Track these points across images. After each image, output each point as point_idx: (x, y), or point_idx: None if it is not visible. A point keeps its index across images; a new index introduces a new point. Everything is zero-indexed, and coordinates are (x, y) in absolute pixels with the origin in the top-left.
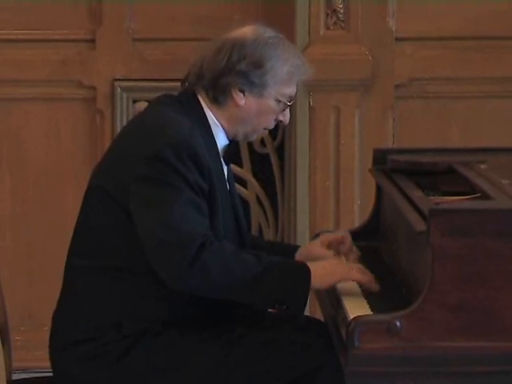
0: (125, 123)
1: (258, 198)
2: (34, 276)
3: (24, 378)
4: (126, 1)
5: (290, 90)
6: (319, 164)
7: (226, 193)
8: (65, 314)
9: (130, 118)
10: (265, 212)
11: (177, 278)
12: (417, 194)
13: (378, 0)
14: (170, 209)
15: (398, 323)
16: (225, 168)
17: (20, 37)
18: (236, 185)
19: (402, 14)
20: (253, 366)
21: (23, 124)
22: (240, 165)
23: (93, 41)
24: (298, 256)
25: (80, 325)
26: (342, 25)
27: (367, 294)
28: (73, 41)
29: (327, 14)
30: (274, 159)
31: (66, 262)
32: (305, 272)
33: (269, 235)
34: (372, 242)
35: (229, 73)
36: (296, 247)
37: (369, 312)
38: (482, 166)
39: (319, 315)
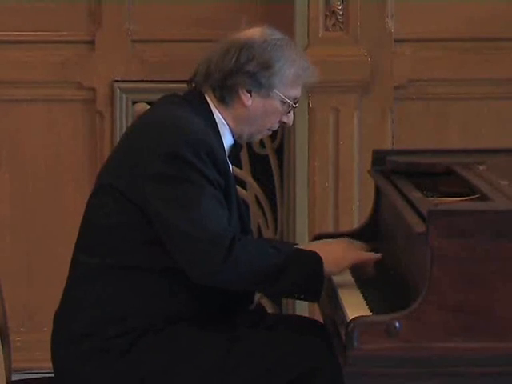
0: (124, 124)
1: (257, 199)
2: (34, 276)
3: (24, 379)
4: (126, 2)
5: (296, 91)
6: (318, 165)
7: (235, 190)
8: (69, 310)
9: (130, 119)
10: (264, 213)
11: (210, 273)
12: (416, 195)
13: (377, 1)
14: (197, 206)
15: (397, 324)
16: (230, 167)
17: (19, 38)
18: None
19: (401, 16)
20: (252, 366)
21: (23, 125)
22: (239, 166)
23: (92, 42)
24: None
25: (84, 320)
26: (341, 26)
27: (367, 294)
28: (72, 42)
29: (326, 16)
30: (273, 160)
31: (72, 259)
32: (317, 260)
33: (268, 236)
34: (371, 242)
35: (237, 73)
36: (294, 244)
37: (368, 313)
38: (481, 167)
39: (318, 316)
